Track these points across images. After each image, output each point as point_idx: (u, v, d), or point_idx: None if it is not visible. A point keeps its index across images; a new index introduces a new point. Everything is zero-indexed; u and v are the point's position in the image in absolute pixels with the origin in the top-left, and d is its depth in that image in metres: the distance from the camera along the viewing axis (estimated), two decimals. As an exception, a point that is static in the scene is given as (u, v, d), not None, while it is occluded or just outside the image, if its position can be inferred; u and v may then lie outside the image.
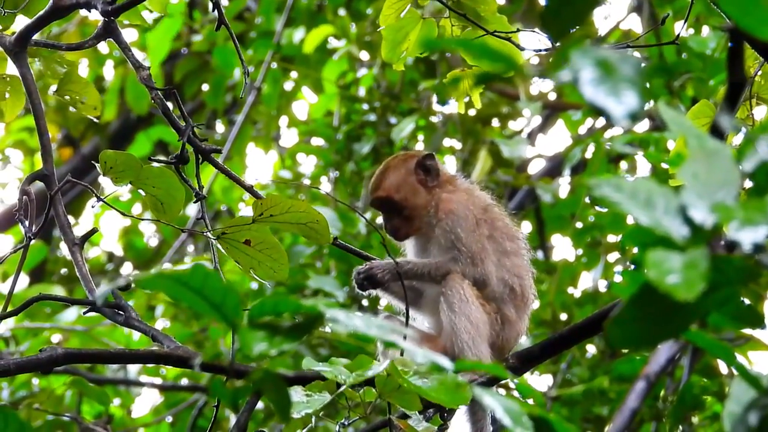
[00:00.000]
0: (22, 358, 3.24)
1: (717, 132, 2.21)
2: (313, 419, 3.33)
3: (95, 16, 4.06)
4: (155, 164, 3.84)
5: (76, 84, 4.19)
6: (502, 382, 3.82)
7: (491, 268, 4.00)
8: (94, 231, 3.74)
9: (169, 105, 3.96)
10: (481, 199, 4.13)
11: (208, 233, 3.79)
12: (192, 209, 8.16)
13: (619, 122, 1.79)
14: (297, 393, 3.17)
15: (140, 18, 4.14)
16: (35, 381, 7.50)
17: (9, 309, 3.72)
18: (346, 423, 3.38)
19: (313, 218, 3.78)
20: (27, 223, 3.70)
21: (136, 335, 7.79)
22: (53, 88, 4.19)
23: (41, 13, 3.97)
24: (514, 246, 4.09)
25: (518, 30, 4.19)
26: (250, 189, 3.92)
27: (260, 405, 7.15)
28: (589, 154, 7.89)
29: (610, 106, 1.79)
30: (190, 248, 10.44)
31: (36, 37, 4.04)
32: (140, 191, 3.80)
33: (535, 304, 4.15)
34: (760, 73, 4.11)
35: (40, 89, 4.11)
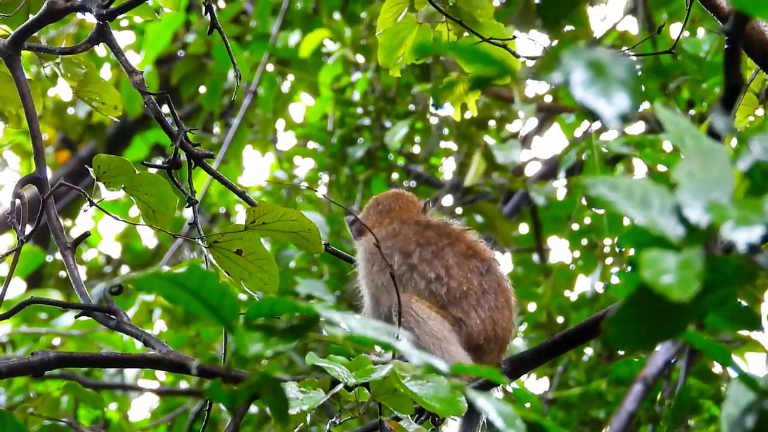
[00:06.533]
0: (13, 361, 3.21)
1: (713, 134, 2.21)
2: (309, 418, 3.32)
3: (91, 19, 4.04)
4: (148, 169, 3.82)
5: (95, 85, 4.18)
6: (499, 386, 3.79)
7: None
8: (86, 234, 3.72)
9: (165, 109, 3.94)
10: (387, 230, 4.26)
11: (200, 240, 3.76)
12: (188, 212, 8.12)
13: (610, 124, 1.78)
14: (292, 390, 3.16)
15: (150, 13, 4.13)
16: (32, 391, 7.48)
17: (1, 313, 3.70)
18: (337, 422, 3.37)
19: (306, 227, 3.76)
20: (19, 227, 3.67)
21: (137, 342, 7.77)
22: (65, 89, 4.18)
23: (35, 16, 3.95)
24: (428, 253, 4.11)
25: (515, 37, 4.17)
26: (242, 195, 3.89)
27: (255, 409, 7.13)
28: (585, 157, 7.87)
29: (601, 108, 1.78)
30: (187, 251, 10.42)
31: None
32: (132, 198, 3.77)
33: (469, 298, 4.11)
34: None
35: (38, 92, 4.09)
